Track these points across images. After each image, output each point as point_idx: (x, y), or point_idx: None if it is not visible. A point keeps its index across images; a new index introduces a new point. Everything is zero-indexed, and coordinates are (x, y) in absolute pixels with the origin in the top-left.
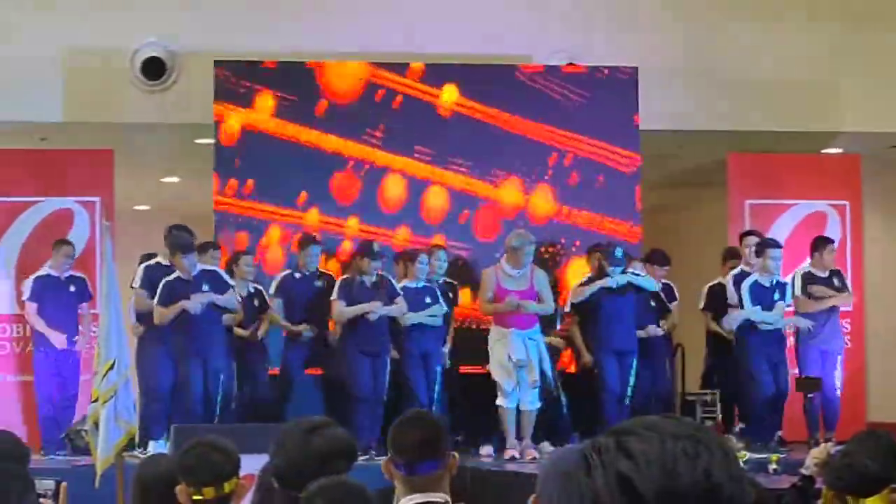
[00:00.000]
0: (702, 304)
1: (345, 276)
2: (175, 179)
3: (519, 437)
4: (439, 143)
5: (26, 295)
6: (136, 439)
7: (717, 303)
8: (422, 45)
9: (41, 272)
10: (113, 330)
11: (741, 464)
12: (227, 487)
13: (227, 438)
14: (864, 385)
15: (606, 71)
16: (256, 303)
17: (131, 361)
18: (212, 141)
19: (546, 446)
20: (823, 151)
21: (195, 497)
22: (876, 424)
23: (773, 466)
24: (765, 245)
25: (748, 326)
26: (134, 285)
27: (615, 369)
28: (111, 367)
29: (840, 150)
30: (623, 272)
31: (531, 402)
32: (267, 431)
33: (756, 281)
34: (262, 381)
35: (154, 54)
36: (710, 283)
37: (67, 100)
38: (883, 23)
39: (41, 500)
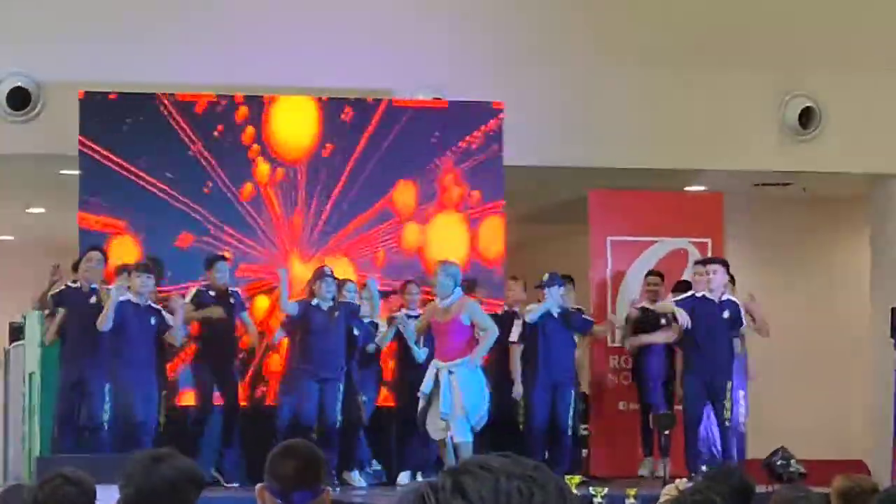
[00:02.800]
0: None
1: (302, 299)
2: (40, 210)
3: None
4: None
5: None
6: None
7: None
8: (286, 76)
9: None
10: None
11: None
12: None
13: (87, 469)
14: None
15: (472, 106)
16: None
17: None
18: (76, 172)
19: (404, 478)
20: (686, 189)
21: None
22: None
23: (630, 501)
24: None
25: None
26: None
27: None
28: None
29: (703, 188)
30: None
31: (459, 434)
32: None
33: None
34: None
35: (19, 84)
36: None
37: None
38: (745, 63)
39: None
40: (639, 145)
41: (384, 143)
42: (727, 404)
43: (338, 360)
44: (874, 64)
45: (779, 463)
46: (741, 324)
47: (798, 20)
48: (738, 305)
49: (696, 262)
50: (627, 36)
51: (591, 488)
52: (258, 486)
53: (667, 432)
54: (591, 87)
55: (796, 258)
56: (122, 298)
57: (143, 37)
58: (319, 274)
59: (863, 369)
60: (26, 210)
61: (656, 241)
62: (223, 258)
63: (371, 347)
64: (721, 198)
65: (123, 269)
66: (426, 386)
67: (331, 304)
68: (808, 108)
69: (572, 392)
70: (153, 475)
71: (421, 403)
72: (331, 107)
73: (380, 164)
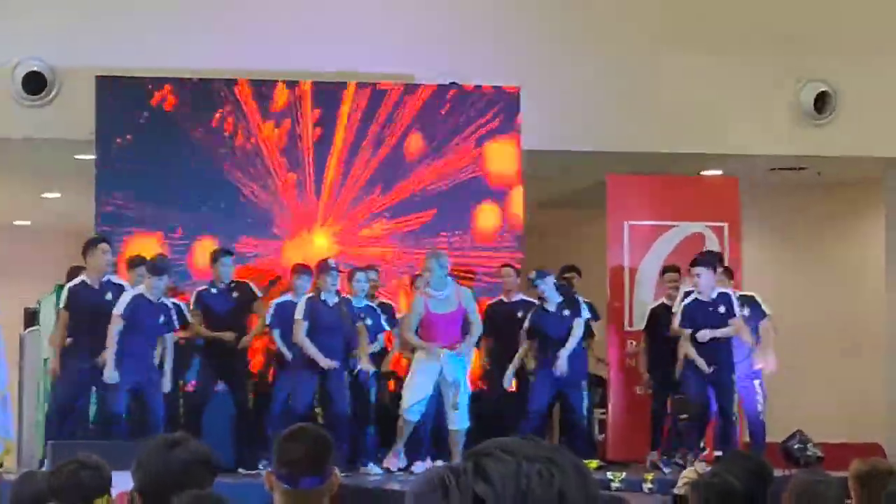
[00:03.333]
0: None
1: (309, 296)
2: (56, 195)
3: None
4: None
5: None
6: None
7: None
8: (307, 63)
9: None
10: None
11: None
12: None
13: (101, 455)
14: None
15: (489, 90)
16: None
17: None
18: (93, 157)
19: (419, 466)
20: (703, 173)
21: None
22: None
23: (647, 486)
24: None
25: None
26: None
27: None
28: None
29: (719, 173)
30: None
31: (458, 422)
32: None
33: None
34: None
35: (35, 69)
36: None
37: None
38: (760, 47)
39: None
40: (655, 130)
41: (402, 127)
42: (735, 398)
43: (340, 353)
44: (890, 48)
45: (796, 447)
46: (734, 315)
47: (813, 4)
48: (730, 296)
49: (693, 264)
50: (645, 21)
51: (608, 473)
52: (266, 471)
53: (683, 416)
54: (608, 72)
55: (812, 242)
56: (135, 292)
57: (159, 21)
58: (324, 267)
59: (879, 352)
60: (42, 195)
61: (673, 226)
62: (228, 252)
63: (375, 347)
64: (737, 182)
65: (139, 262)
66: (455, 374)
67: (336, 298)
68: (823, 92)
69: (584, 383)
70: (168, 460)
71: (418, 389)
72: (351, 91)
73: (397, 149)
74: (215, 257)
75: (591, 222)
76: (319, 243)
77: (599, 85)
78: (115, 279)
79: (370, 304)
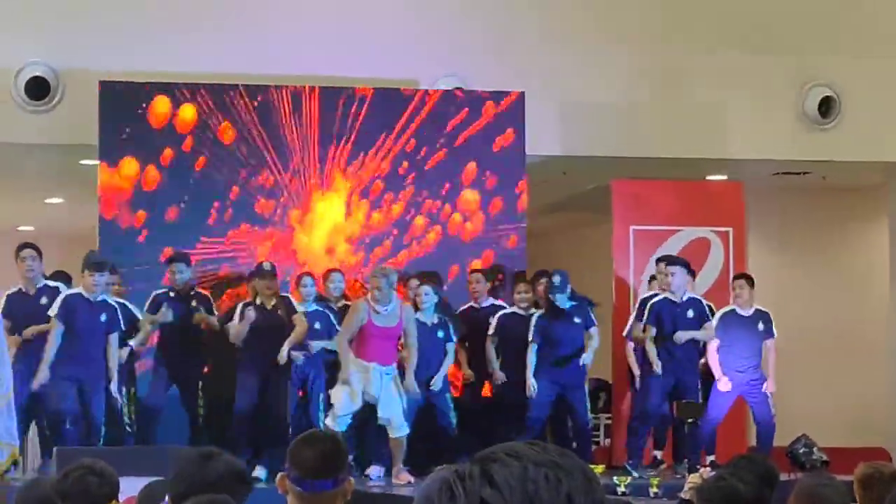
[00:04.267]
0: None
1: (245, 301)
2: (59, 200)
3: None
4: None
5: None
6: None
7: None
8: (311, 69)
9: None
10: None
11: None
12: None
13: (107, 461)
14: (746, 410)
15: (492, 96)
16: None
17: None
18: (96, 162)
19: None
20: (707, 178)
21: None
22: (757, 449)
23: (653, 490)
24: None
25: None
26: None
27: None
28: None
29: (724, 177)
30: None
31: (398, 430)
32: (150, 454)
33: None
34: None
35: (38, 74)
36: None
37: None
38: (765, 51)
39: None
40: (660, 134)
41: (405, 133)
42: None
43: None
44: (894, 52)
45: (801, 451)
46: (707, 319)
47: (818, 8)
48: (702, 303)
49: (658, 260)
50: (649, 26)
51: (614, 478)
52: (279, 474)
53: (690, 420)
54: (612, 75)
55: (816, 246)
56: (69, 292)
57: (163, 25)
58: (260, 272)
59: (883, 357)
60: (45, 201)
61: (678, 231)
62: (183, 256)
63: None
64: (741, 187)
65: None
66: (376, 389)
67: (273, 301)
68: (827, 97)
69: (585, 387)
70: (206, 472)
71: (347, 400)
72: (353, 97)
73: (400, 156)
74: (169, 261)
75: (594, 227)
76: (319, 244)
77: (603, 90)
78: (52, 283)
79: (319, 306)
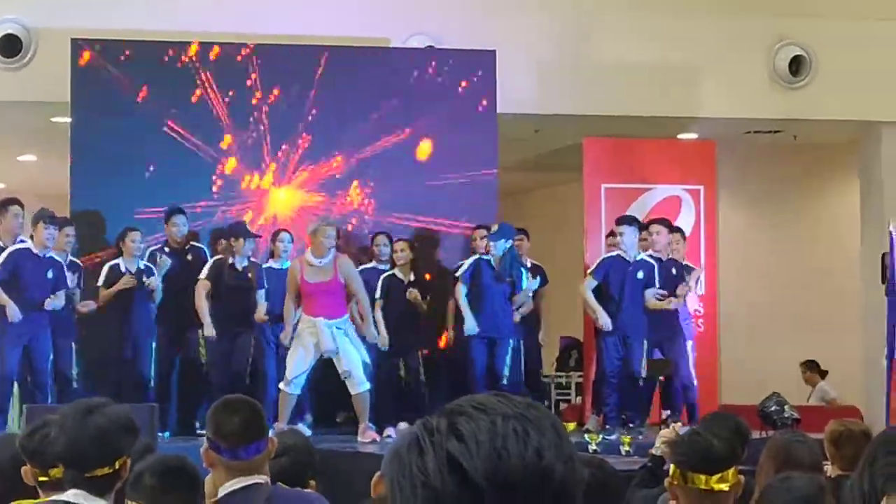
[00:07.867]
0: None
1: (217, 258)
2: (32, 158)
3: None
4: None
5: None
6: None
7: None
8: (280, 28)
9: None
10: None
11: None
12: None
13: None
14: (717, 368)
15: (464, 55)
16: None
17: None
18: (68, 119)
19: (404, 426)
20: (679, 136)
21: (41, 478)
22: (728, 407)
23: (625, 448)
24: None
25: None
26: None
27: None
28: None
29: (695, 136)
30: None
31: (359, 385)
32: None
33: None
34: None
35: (10, 31)
36: None
37: None
38: (736, 10)
39: None
40: (632, 93)
41: (375, 90)
42: (643, 362)
43: (247, 318)
44: (865, 11)
45: (773, 409)
46: (654, 284)
47: None
48: (652, 266)
49: (618, 221)
50: None
51: (585, 436)
52: (202, 448)
53: (661, 378)
54: (584, 34)
55: (787, 205)
56: (13, 248)
57: None
58: (240, 230)
59: (853, 314)
60: (17, 158)
61: (650, 189)
62: (181, 211)
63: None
64: (713, 145)
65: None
66: (328, 344)
67: (245, 262)
68: (798, 56)
69: (510, 343)
70: (85, 427)
71: (299, 362)
72: (324, 54)
73: (373, 113)
74: (168, 216)
75: (566, 185)
76: (286, 203)
77: (575, 48)
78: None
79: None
